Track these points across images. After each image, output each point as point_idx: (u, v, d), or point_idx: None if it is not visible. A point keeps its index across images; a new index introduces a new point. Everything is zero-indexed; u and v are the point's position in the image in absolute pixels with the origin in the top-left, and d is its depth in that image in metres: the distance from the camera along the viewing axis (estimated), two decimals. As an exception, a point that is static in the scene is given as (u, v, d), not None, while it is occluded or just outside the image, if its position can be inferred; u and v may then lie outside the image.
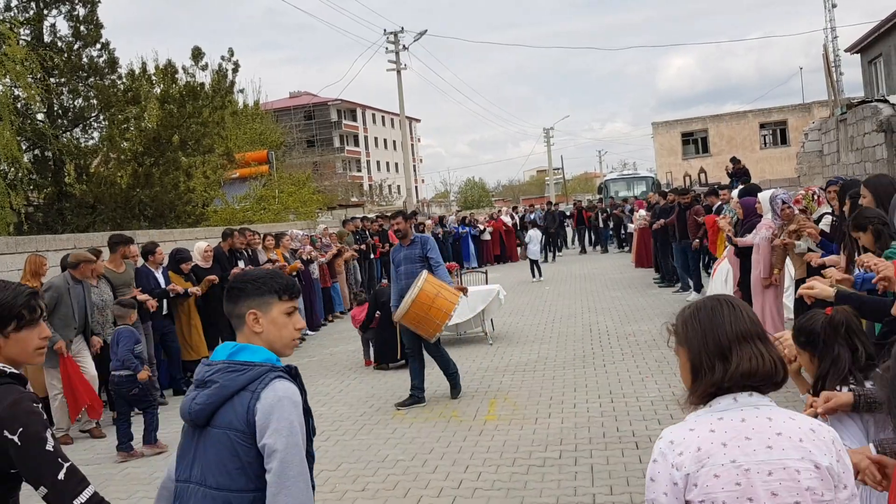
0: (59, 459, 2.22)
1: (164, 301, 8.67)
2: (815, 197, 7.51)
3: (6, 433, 2.18)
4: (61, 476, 2.21)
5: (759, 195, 8.47)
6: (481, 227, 23.46)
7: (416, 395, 7.37)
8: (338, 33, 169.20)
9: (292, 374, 2.29)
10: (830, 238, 6.72)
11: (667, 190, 17.13)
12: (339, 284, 14.23)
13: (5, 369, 2.26)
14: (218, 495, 2.19)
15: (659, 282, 15.18)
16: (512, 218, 25.37)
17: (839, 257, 5.50)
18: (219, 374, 2.25)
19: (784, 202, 7.68)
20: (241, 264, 10.34)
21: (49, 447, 2.21)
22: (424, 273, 7.21)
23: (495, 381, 8.09)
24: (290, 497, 2.12)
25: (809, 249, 6.71)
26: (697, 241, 12.19)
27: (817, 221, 7.19)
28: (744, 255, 8.47)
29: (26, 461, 2.20)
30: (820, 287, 3.64)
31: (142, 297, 8.16)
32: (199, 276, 9.35)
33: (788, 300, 10.80)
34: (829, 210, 7.17)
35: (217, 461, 2.20)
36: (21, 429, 2.18)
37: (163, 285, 8.72)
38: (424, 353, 7.49)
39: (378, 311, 9.41)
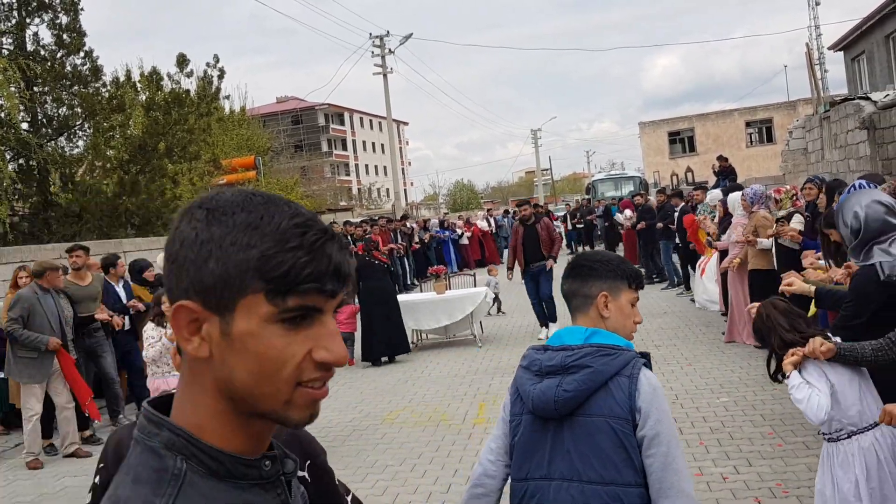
0: None
1: (127, 317, 8.19)
2: (793, 198, 7.69)
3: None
4: None
5: (728, 196, 8.64)
6: (459, 232, 23.14)
7: None
8: (324, 38, 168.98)
9: (649, 361, 2.16)
10: (809, 236, 6.91)
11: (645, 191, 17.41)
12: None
13: None
14: (603, 490, 2.01)
15: (645, 279, 15.44)
16: (488, 222, 24.67)
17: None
18: (588, 357, 2.06)
19: (744, 196, 7.89)
20: None
21: None
22: None
23: (484, 384, 8.09)
24: (679, 492, 1.99)
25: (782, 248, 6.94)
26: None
27: (786, 219, 7.36)
28: (725, 255, 8.66)
29: None
30: (798, 284, 3.69)
31: (100, 315, 7.62)
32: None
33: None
34: (801, 209, 7.37)
35: (597, 453, 2.02)
36: None
37: (123, 299, 8.25)
38: None
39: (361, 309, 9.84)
